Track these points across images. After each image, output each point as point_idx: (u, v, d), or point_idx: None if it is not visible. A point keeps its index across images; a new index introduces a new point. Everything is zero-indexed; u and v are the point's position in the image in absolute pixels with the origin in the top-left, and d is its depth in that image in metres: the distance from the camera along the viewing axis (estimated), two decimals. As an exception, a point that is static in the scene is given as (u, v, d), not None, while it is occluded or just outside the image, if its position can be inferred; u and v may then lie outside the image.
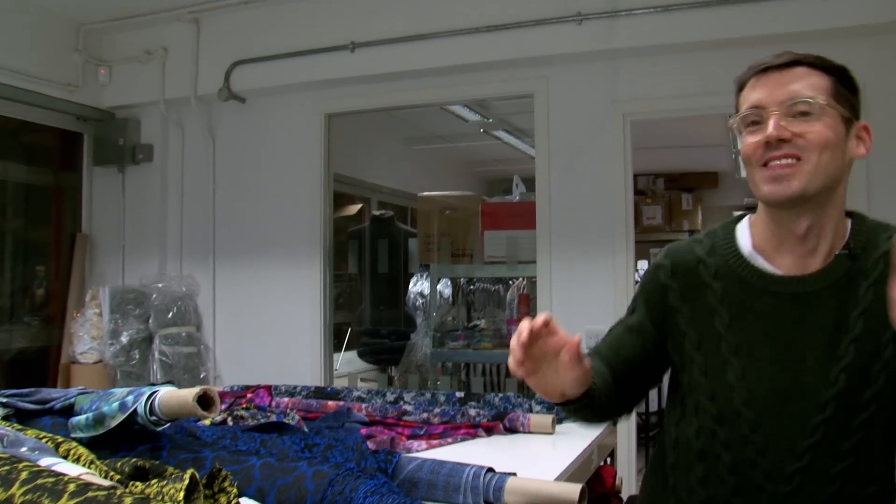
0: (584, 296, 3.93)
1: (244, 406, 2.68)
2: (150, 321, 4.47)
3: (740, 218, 1.53)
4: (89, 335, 4.50)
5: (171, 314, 4.47)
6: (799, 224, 1.37)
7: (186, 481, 1.22)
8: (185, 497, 1.19)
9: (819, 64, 1.36)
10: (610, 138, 3.88)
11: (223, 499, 1.35)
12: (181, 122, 4.75)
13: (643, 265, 7.93)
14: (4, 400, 2.13)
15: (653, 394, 4.39)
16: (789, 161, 1.32)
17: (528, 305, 4.53)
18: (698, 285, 1.47)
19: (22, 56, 4.32)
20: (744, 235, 1.47)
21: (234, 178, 4.65)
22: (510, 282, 5.47)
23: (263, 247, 4.56)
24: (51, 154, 5.08)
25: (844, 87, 1.37)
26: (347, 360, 5.95)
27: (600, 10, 3.73)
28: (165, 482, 1.25)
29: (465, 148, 7.82)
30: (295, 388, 3.25)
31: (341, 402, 2.96)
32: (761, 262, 1.44)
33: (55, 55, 4.54)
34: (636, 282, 5.68)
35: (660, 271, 1.54)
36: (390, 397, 3.16)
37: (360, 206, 7.28)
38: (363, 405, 2.90)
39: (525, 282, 4.84)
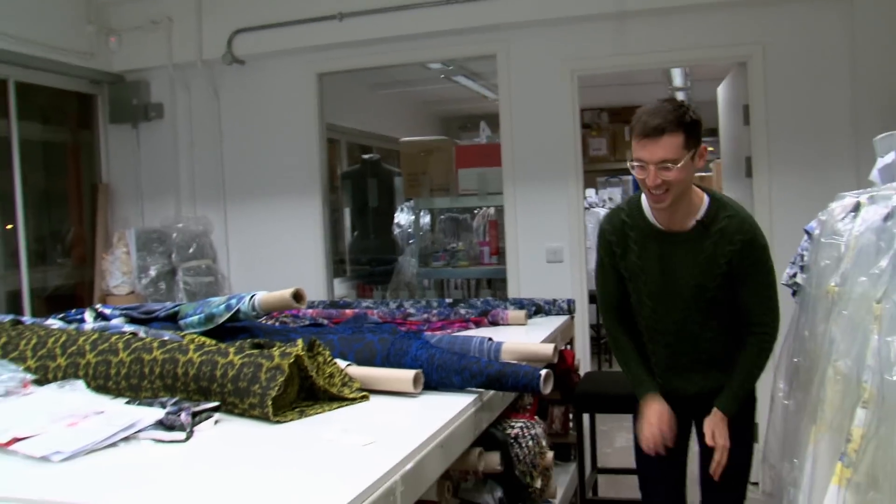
0: (542, 219, 4.72)
1: (282, 315, 3.44)
2: (173, 256, 5.13)
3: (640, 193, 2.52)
4: (120, 271, 5.15)
5: (191, 249, 5.14)
6: (668, 211, 2.45)
7: (300, 344, 2.00)
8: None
9: (676, 127, 2.28)
10: (560, 90, 4.62)
11: (320, 357, 2.14)
12: (188, 83, 5.34)
13: (591, 193, 8.72)
14: (121, 312, 2.90)
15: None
16: (662, 192, 2.35)
17: (496, 229, 5.32)
18: (624, 236, 2.55)
19: (41, 28, 4.87)
20: (645, 205, 2.53)
21: (239, 130, 5.28)
22: (475, 210, 6.22)
23: (267, 188, 5.22)
24: (66, 114, 5.63)
25: (692, 133, 2.32)
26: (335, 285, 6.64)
27: (551, -17, 4.45)
28: (280, 349, 2.00)
29: (425, 90, 8.40)
30: (313, 302, 4.01)
31: (356, 310, 3.72)
32: (654, 222, 2.51)
33: (70, 26, 5.11)
34: (586, 207, 6.49)
35: (605, 234, 2.60)
36: (393, 305, 3.92)
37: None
38: (374, 311, 3.65)
39: (492, 210, 5.59)
